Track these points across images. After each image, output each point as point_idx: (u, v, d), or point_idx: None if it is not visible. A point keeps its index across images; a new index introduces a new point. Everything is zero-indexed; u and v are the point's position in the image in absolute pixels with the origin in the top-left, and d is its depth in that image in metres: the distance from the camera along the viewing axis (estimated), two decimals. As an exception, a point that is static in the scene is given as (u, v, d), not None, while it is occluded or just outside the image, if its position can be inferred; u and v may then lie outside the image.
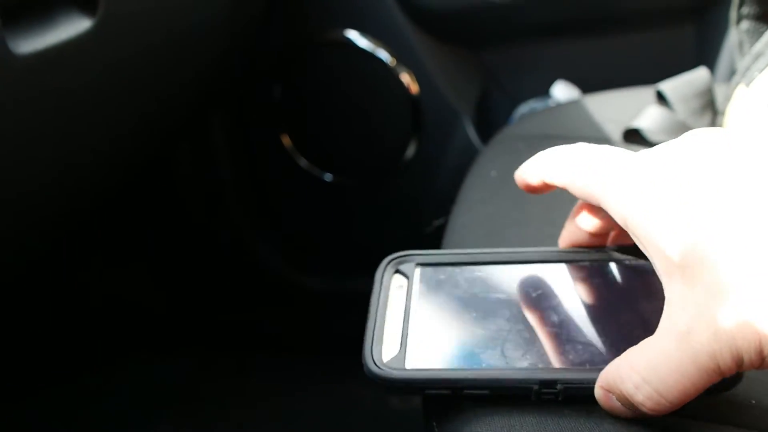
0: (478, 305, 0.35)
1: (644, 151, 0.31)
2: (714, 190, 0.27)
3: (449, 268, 0.38)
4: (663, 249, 0.27)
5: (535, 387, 0.31)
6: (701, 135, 0.30)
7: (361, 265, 1.06)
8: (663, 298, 0.29)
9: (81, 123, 0.52)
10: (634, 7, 0.97)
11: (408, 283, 0.37)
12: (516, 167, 0.37)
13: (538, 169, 0.35)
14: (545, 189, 0.35)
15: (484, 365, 0.32)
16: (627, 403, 0.29)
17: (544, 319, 0.34)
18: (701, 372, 0.26)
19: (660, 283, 0.29)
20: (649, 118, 0.64)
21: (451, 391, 0.32)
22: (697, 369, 0.26)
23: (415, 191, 1.03)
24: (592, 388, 0.30)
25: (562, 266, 0.37)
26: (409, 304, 0.36)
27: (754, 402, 0.34)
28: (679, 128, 0.63)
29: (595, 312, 0.34)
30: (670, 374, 0.27)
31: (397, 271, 0.38)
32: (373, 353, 0.33)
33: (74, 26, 0.47)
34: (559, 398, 0.31)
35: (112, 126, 0.55)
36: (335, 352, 1.05)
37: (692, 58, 0.97)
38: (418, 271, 0.38)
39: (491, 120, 1.02)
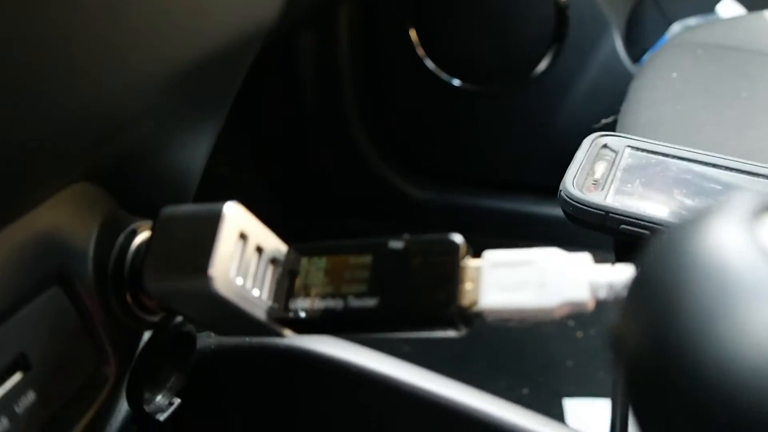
0: (683, 186, 0.35)
1: None
2: None
3: (658, 157, 0.37)
4: None
5: None
6: None
7: (479, 179, 1.01)
8: None
9: None
10: None
11: (615, 155, 0.37)
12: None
13: None
14: None
15: None
16: None
17: None
18: None
19: None
20: None
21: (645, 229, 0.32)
22: None
23: (547, 104, 0.96)
24: None
25: None
26: (615, 167, 0.36)
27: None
28: None
29: None
30: None
31: (605, 146, 0.38)
32: (575, 180, 0.35)
33: None
34: None
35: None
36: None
37: None
38: (627, 150, 0.38)
39: (640, 38, 0.94)
